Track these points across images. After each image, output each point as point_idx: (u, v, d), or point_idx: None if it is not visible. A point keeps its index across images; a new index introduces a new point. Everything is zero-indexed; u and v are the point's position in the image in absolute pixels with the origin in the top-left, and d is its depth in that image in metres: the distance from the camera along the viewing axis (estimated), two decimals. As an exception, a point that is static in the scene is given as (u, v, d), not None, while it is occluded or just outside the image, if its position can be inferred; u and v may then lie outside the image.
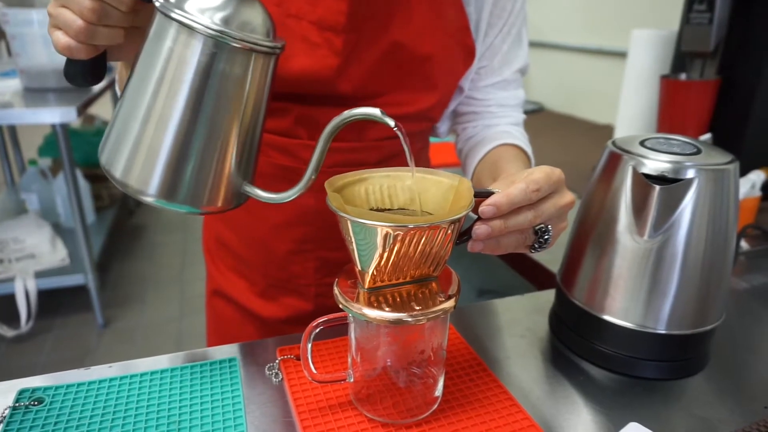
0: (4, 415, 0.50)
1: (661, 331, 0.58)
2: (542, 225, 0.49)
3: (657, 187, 0.55)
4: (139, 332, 2.21)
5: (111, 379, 0.55)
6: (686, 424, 0.53)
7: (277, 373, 0.57)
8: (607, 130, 1.92)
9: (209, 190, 0.48)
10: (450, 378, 0.56)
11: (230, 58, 0.44)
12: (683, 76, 1.26)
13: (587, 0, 2.30)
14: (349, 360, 0.52)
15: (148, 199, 0.47)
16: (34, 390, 0.53)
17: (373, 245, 0.43)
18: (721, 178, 0.55)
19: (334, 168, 0.65)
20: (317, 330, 0.49)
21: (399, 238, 0.42)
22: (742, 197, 0.96)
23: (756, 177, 0.98)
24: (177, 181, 0.46)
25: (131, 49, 0.47)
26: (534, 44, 2.52)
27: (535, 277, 0.97)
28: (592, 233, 0.61)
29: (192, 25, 0.42)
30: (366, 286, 0.47)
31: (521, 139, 0.73)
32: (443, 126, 0.78)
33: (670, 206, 0.55)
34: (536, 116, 2.20)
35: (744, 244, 0.94)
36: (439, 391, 0.52)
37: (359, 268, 0.46)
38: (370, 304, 0.45)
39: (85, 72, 0.49)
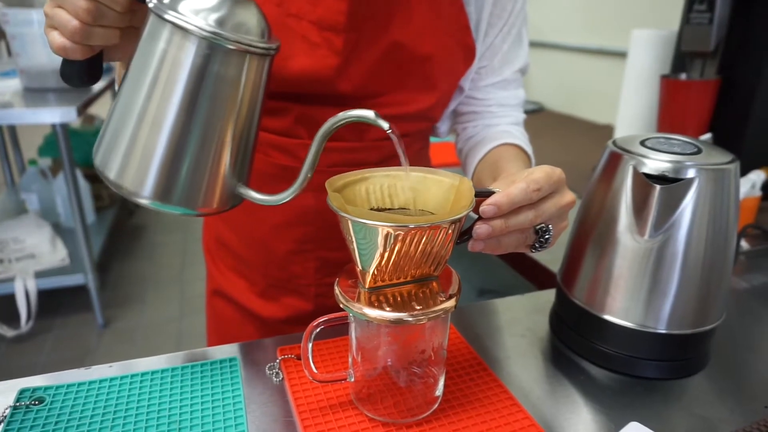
0: (4, 414, 0.50)
1: (662, 330, 0.58)
2: (543, 224, 0.49)
3: (657, 187, 0.55)
4: (139, 332, 2.21)
5: (111, 379, 0.55)
6: (687, 423, 0.53)
7: (277, 373, 0.57)
8: (607, 130, 1.92)
9: (204, 191, 0.48)
10: (450, 378, 0.56)
11: (225, 60, 0.44)
12: (683, 76, 1.26)
13: (587, 0, 2.30)
14: (350, 360, 0.52)
15: (143, 201, 0.46)
16: (34, 389, 0.53)
17: (373, 245, 0.43)
18: (721, 178, 0.55)
19: (334, 168, 0.65)
20: (318, 329, 0.49)
21: (400, 237, 0.42)
22: (742, 197, 0.96)
23: (756, 177, 0.98)
24: (171, 182, 0.46)
25: (128, 49, 0.47)
26: (534, 44, 2.52)
27: (536, 276, 0.97)
28: (592, 233, 0.61)
29: (186, 27, 0.42)
30: (367, 285, 0.47)
31: (521, 138, 0.73)
32: (443, 126, 0.78)
33: (670, 206, 0.55)
34: (536, 116, 2.20)
35: (744, 244, 0.94)
36: (439, 390, 0.52)
37: (360, 267, 0.46)
38: (370, 304, 0.45)
39: (81, 72, 0.49)
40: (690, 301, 0.57)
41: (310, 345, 0.49)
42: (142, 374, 0.56)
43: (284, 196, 0.49)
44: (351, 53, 0.62)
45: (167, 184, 0.46)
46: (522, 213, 0.48)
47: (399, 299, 0.46)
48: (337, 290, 0.47)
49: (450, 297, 0.47)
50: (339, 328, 0.53)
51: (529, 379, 0.59)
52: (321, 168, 0.67)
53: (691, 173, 0.55)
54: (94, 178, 2.62)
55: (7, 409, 0.50)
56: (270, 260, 0.74)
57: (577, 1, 2.37)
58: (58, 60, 0.48)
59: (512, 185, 0.47)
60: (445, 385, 0.54)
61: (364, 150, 0.68)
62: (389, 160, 0.70)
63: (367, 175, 0.51)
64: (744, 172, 0.97)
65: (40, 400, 0.52)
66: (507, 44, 0.72)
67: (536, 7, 2.46)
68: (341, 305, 0.47)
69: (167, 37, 0.43)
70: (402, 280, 0.48)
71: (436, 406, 0.52)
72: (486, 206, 0.46)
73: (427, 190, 0.51)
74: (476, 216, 0.47)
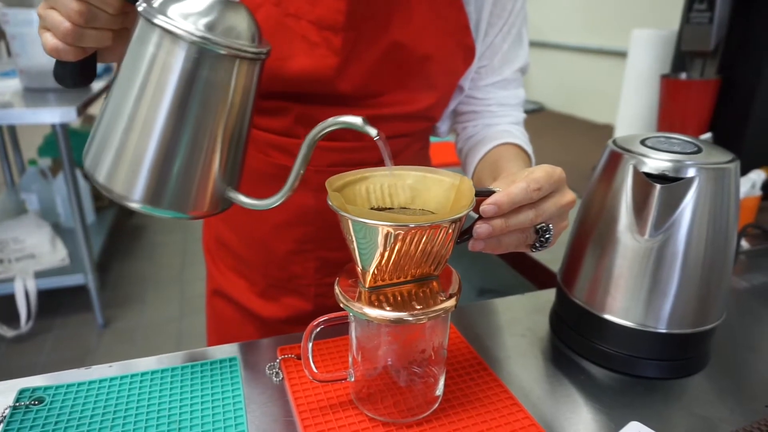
0: (4, 414, 0.50)
1: (662, 330, 0.58)
2: (543, 224, 0.49)
3: (658, 186, 0.55)
4: (139, 332, 2.21)
5: (111, 379, 0.55)
6: (687, 423, 0.53)
7: (277, 373, 0.57)
8: (608, 129, 1.92)
9: (194, 195, 0.48)
10: (451, 377, 0.56)
11: (214, 65, 0.44)
12: (683, 76, 1.26)
13: (587, 0, 2.30)
14: (350, 359, 0.51)
15: (133, 205, 0.46)
16: (34, 389, 0.53)
17: (374, 244, 0.43)
18: (721, 177, 0.55)
19: (334, 168, 0.65)
20: (318, 329, 0.49)
21: (400, 237, 0.42)
22: (742, 196, 0.96)
23: (756, 176, 0.98)
24: (162, 187, 0.46)
25: (122, 50, 0.47)
26: (534, 44, 2.52)
27: (536, 276, 0.97)
28: (592, 232, 0.61)
29: (175, 32, 0.42)
30: (367, 285, 0.47)
31: (522, 138, 0.72)
32: (443, 125, 0.78)
33: (670, 205, 0.55)
34: (536, 116, 2.20)
35: (744, 244, 0.94)
36: (439, 390, 0.52)
37: (360, 267, 0.46)
38: (370, 303, 0.45)
39: (74, 73, 0.48)
40: (690, 300, 0.57)
41: (310, 345, 0.49)
42: (142, 374, 0.55)
43: (272, 201, 0.49)
44: (350, 53, 0.62)
45: (157, 189, 0.46)
46: (522, 212, 0.47)
47: (399, 299, 0.46)
48: (337, 290, 0.47)
49: (450, 296, 0.47)
50: (339, 328, 0.53)
51: (530, 379, 0.59)
52: (321, 168, 0.67)
53: (691, 172, 0.55)
54: (94, 178, 2.61)
55: (6, 409, 0.50)
56: (270, 260, 0.74)
57: (577, 1, 2.37)
58: (57, 60, 0.48)
59: (513, 184, 0.47)
60: (446, 385, 0.54)
61: (364, 150, 0.68)
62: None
63: (367, 175, 0.51)
64: (744, 171, 0.97)
65: (40, 400, 0.52)
66: (507, 44, 0.71)
67: (536, 7, 2.46)
68: (341, 305, 0.47)
69: (156, 42, 0.43)
70: (402, 279, 0.48)
71: (437, 405, 0.52)
72: (486, 206, 0.46)
73: (428, 190, 0.51)
74: (476, 215, 0.47)
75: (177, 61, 0.43)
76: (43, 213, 2.49)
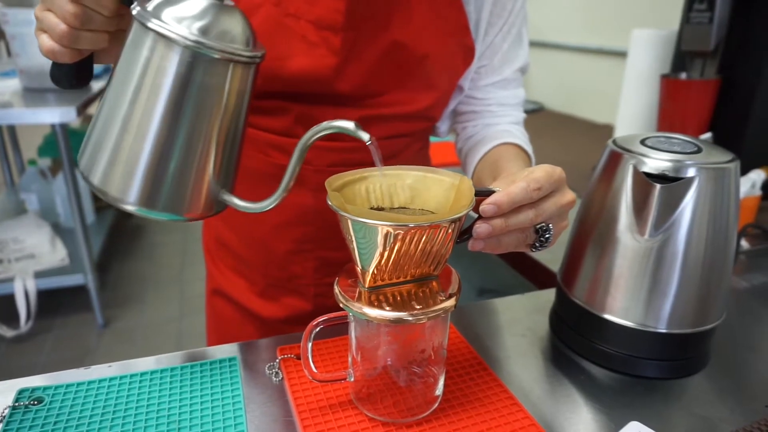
0: (3, 414, 0.50)
1: (662, 330, 0.58)
2: (543, 224, 0.49)
3: (658, 186, 0.55)
4: (139, 332, 2.21)
5: (111, 379, 0.55)
6: (687, 423, 0.53)
7: (277, 373, 0.57)
8: (607, 129, 1.92)
9: (189, 198, 0.48)
10: (450, 377, 0.56)
11: (209, 69, 0.44)
12: (683, 76, 1.26)
13: (587, 0, 2.30)
14: (350, 359, 0.51)
15: (128, 207, 0.46)
16: (33, 389, 0.53)
17: (373, 244, 0.43)
18: (721, 177, 0.55)
19: (334, 168, 0.65)
20: (318, 329, 0.49)
21: (400, 237, 0.42)
22: (742, 196, 0.96)
23: (756, 176, 0.98)
24: (156, 189, 0.46)
25: (118, 52, 0.47)
26: (534, 44, 2.52)
27: (536, 276, 0.97)
28: (592, 232, 0.61)
29: (169, 36, 0.42)
30: (366, 285, 0.47)
31: (521, 138, 0.72)
32: (443, 125, 0.78)
33: (670, 205, 0.55)
34: (536, 116, 2.20)
35: (744, 243, 0.94)
36: (439, 390, 0.52)
37: (360, 267, 0.46)
38: (370, 303, 0.45)
39: (70, 75, 0.48)
40: (690, 300, 0.57)
41: (310, 345, 0.49)
42: (142, 374, 0.55)
43: (266, 204, 0.49)
44: (349, 53, 0.62)
45: (152, 191, 0.46)
46: (522, 212, 0.47)
47: (399, 298, 0.46)
48: (336, 290, 0.47)
49: (450, 296, 0.47)
50: (339, 328, 0.53)
51: (529, 379, 0.58)
52: (321, 168, 0.67)
53: (691, 172, 0.55)
54: (94, 178, 2.61)
55: (6, 409, 0.50)
56: (270, 260, 0.74)
57: (577, 1, 2.37)
58: (57, 61, 0.48)
59: (512, 184, 0.47)
60: (445, 385, 0.54)
61: (364, 150, 0.68)
62: (389, 159, 0.70)
63: (367, 175, 0.51)
64: (744, 171, 0.97)
65: (39, 400, 0.52)
66: (507, 43, 0.71)
67: (536, 7, 2.46)
68: (341, 305, 0.46)
69: (151, 45, 0.43)
70: (402, 279, 0.48)
71: (436, 405, 0.52)
72: (486, 205, 0.45)
73: (427, 190, 0.51)
74: (476, 215, 0.47)
75: (171, 65, 0.43)
76: (42, 213, 2.49)
